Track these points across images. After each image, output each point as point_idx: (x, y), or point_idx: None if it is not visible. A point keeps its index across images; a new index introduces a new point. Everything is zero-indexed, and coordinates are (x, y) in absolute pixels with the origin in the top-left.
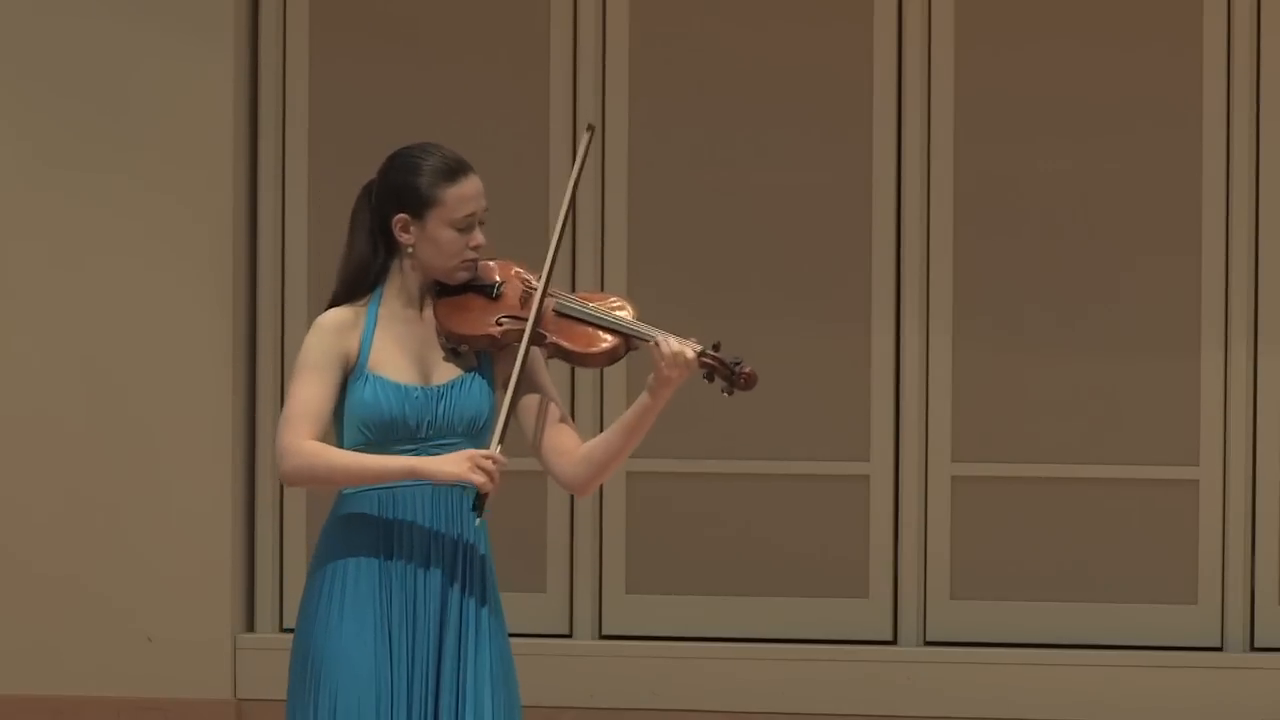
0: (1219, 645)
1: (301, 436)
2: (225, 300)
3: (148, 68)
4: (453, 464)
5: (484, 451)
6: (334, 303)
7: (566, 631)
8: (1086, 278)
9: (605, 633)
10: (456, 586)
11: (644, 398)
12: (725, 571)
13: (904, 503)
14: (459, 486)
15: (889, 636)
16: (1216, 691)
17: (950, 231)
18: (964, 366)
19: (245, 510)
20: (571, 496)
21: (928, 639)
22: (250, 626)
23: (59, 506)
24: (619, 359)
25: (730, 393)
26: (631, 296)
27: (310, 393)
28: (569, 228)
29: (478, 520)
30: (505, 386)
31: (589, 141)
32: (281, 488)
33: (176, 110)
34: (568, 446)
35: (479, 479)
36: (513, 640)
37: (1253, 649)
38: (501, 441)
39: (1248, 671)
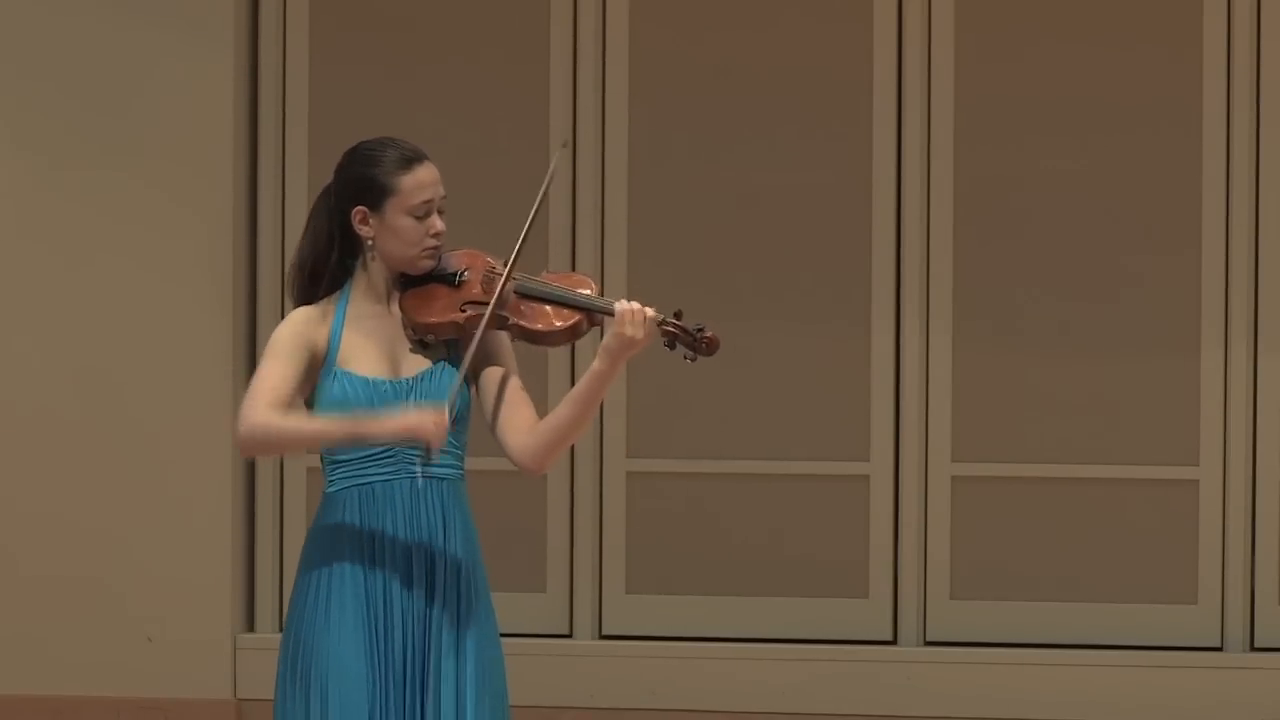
0: (1219, 645)
1: (259, 409)
2: (225, 300)
3: (148, 68)
4: (395, 423)
5: (432, 412)
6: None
7: (566, 631)
8: (1087, 278)
9: (605, 633)
10: (440, 584)
11: (597, 365)
12: (725, 571)
13: (904, 503)
14: (437, 479)
15: (889, 636)
16: (1216, 691)
17: (950, 231)
18: (964, 366)
19: (245, 510)
20: (571, 496)
21: (928, 639)
22: (250, 626)
23: (59, 506)
24: (581, 335)
25: (693, 359)
26: (630, 294)
27: (274, 373)
28: (536, 222)
29: (419, 471)
30: (475, 374)
31: (558, 159)
32: (282, 488)
33: (176, 110)
34: (523, 425)
35: (425, 436)
36: (513, 640)
37: (1253, 649)
38: (453, 411)
39: (1248, 671)
